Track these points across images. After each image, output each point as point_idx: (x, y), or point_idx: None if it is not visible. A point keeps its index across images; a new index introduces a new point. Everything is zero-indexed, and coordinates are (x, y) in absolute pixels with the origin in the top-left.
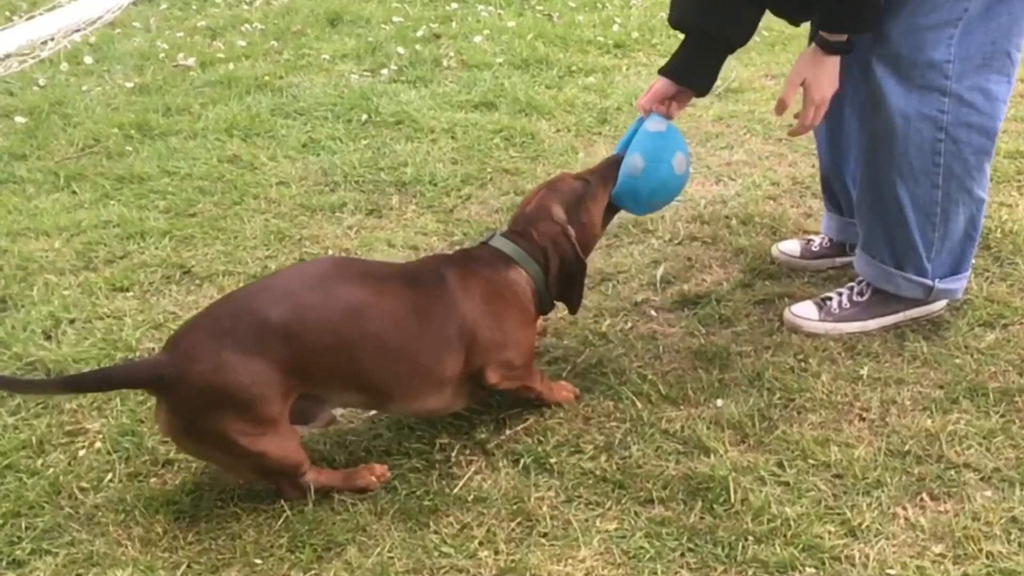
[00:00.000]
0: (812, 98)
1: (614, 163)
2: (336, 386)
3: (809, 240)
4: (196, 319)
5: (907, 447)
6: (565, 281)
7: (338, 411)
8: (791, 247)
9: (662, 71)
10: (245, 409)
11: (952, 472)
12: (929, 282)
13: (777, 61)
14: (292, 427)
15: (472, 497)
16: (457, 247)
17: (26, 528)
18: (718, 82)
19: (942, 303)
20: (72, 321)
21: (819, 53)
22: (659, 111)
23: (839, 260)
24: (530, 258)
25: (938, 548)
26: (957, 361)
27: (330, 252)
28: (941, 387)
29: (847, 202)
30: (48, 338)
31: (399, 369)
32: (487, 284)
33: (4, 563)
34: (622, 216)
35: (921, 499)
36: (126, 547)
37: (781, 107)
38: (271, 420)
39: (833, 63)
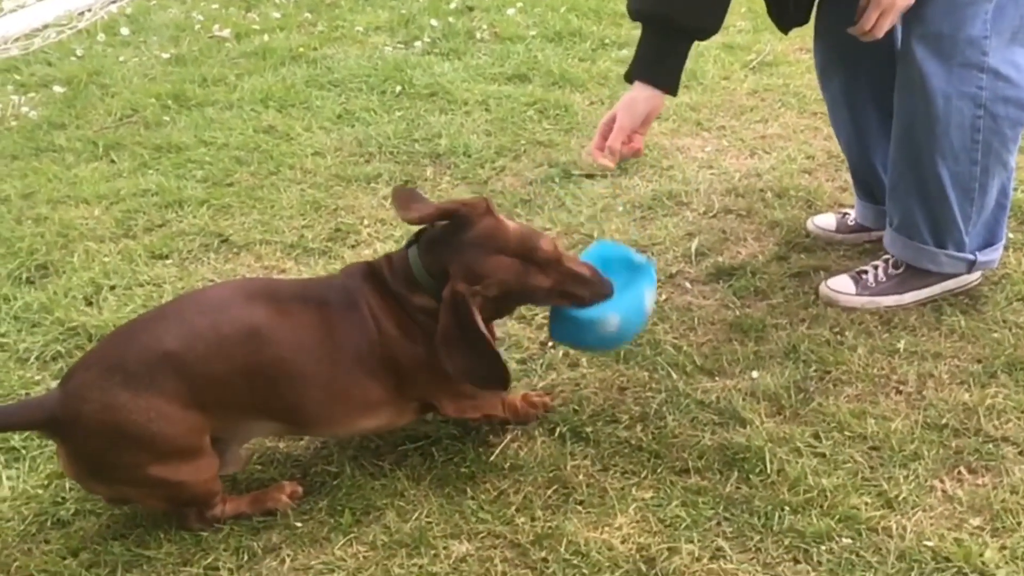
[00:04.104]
0: (879, 1)
1: (580, 280)
2: (241, 416)
3: (845, 213)
4: (88, 354)
5: (944, 420)
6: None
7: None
8: (826, 221)
9: (631, 76)
10: (148, 445)
11: (990, 446)
12: (971, 256)
13: (812, 35)
14: (211, 457)
15: (508, 464)
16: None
17: (70, 489)
18: (751, 55)
19: (978, 274)
20: (113, 287)
21: None
22: (627, 153)
23: (875, 234)
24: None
25: (976, 521)
26: (995, 335)
27: (365, 222)
28: (979, 361)
29: (881, 191)
30: (89, 304)
31: (309, 396)
32: (408, 318)
33: (49, 523)
34: (656, 188)
35: (959, 472)
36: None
37: (860, 12)
38: (183, 451)
39: None
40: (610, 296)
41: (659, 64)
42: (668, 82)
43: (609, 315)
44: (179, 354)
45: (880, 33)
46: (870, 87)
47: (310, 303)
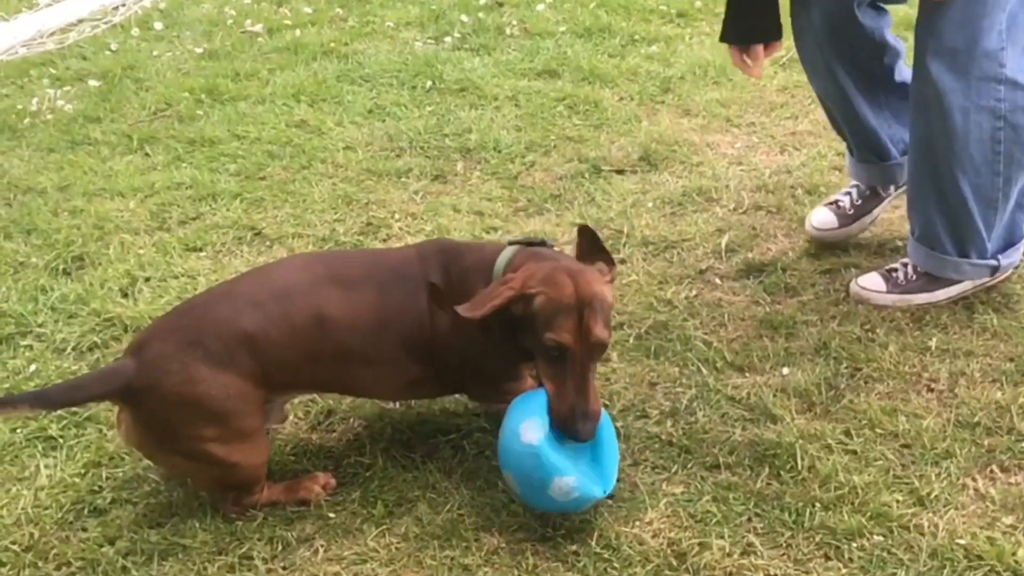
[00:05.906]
0: None
1: (583, 386)
2: (298, 391)
3: (837, 202)
4: (158, 326)
5: (976, 418)
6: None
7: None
8: (825, 220)
9: (726, 39)
10: (221, 419)
11: (1023, 444)
12: (994, 262)
13: None
14: (266, 441)
15: None
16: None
17: (107, 478)
18: (782, 52)
19: (1007, 271)
20: (148, 279)
21: None
22: (768, 54)
23: (876, 211)
24: None
25: (1008, 519)
26: None
27: (396, 216)
28: (1011, 359)
29: (882, 147)
30: (125, 295)
31: (360, 374)
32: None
33: (86, 511)
34: (686, 185)
35: (991, 470)
36: (203, 498)
37: None
38: (246, 432)
39: None
40: (579, 434)
41: (754, 21)
42: (771, 34)
43: (567, 480)
44: (256, 337)
45: None
46: (851, 74)
47: (373, 288)
